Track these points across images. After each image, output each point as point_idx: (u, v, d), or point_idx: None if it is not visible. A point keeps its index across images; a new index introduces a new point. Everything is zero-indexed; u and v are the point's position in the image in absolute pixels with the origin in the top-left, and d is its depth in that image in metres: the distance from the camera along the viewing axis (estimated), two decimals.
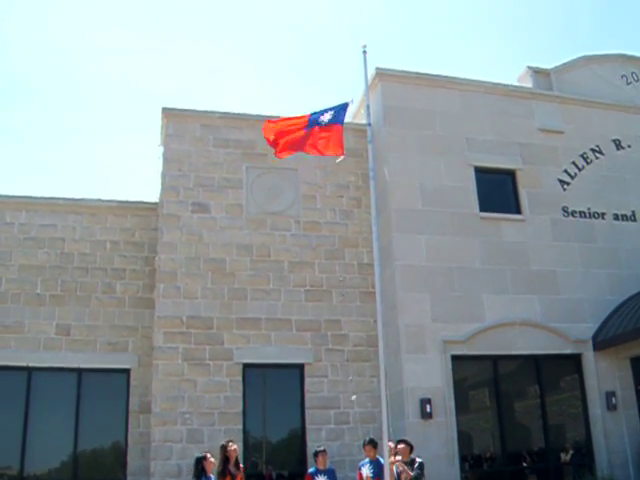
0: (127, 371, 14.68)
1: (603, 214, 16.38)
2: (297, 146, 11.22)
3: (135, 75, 42.14)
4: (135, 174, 40.21)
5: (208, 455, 10.56)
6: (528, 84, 17.20)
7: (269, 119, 11.50)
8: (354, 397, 13.74)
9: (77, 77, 40.86)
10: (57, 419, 14.30)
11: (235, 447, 10.73)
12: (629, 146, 17.26)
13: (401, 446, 11.25)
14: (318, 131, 11.08)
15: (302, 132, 11.16)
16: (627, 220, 16.52)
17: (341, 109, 11.21)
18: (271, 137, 11.27)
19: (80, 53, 40.37)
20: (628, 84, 18.03)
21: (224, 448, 10.63)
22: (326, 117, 11.16)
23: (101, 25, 39.63)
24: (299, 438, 14.15)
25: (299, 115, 11.38)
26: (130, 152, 42.09)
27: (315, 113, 11.36)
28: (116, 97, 41.36)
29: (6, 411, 14.11)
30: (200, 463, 10.45)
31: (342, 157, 11.26)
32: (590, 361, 15.07)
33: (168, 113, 15.40)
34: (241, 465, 10.93)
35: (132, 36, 41.33)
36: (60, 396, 14.42)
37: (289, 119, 11.38)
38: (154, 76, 42.40)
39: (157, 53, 42.58)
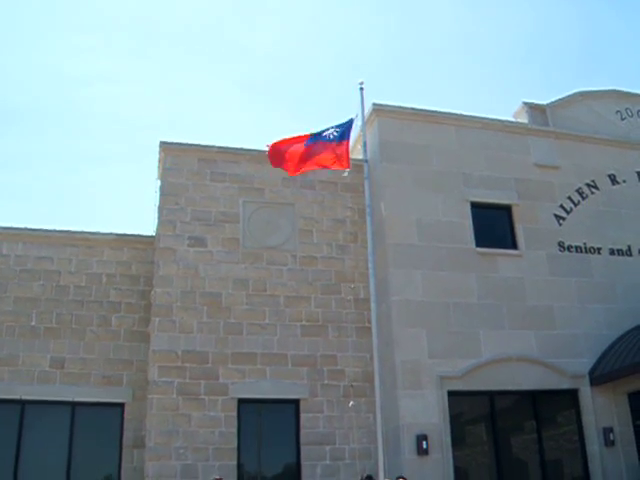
0: (121, 405, 14.60)
1: (599, 249, 16.41)
2: (302, 162, 11.39)
3: (130, 105, 42.41)
4: (132, 206, 40.33)
5: None
6: (524, 120, 17.35)
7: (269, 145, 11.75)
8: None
9: (71, 106, 41.13)
10: (50, 453, 14.16)
11: None
12: (624, 181, 17.36)
13: None
14: (323, 147, 11.25)
15: (304, 147, 11.35)
16: (623, 255, 16.56)
17: (346, 125, 11.39)
18: (277, 161, 11.53)
19: (73, 81, 40.63)
20: (622, 119, 18.18)
21: None
22: (330, 133, 11.33)
23: (93, 53, 39.94)
24: (294, 474, 14.00)
25: (299, 135, 11.59)
26: (127, 183, 42.24)
27: (316, 132, 11.54)
28: (113, 128, 41.56)
29: None
30: None
31: (348, 170, 11.42)
32: (587, 396, 15.00)
33: (166, 147, 15.48)
34: None
35: (125, 65, 41.68)
36: (53, 430, 14.30)
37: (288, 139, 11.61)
38: (150, 107, 42.67)
39: (153, 84, 42.90)
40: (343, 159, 11.38)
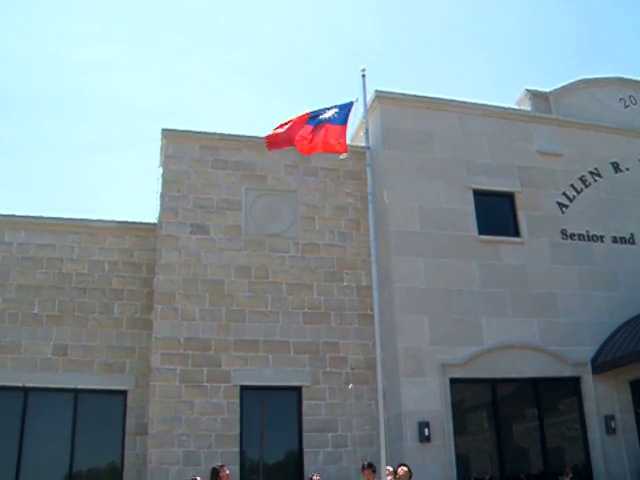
0: (124, 392, 14.59)
1: (602, 237, 16.39)
2: (297, 143, 11.34)
3: (132, 92, 42.32)
4: (133, 193, 40.31)
5: (198, 478, 10.52)
6: (527, 107, 17.28)
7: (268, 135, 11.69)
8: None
9: (72, 93, 41.01)
10: (53, 440, 14.15)
11: (228, 472, 10.51)
12: (627, 169, 17.31)
13: (403, 470, 11.10)
14: (321, 129, 11.18)
15: (303, 128, 11.27)
16: (626, 243, 16.53)
17: (345, 108, 11.32)
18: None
19: (74, 68, 40.47)
20: (626, 107, 18.11)
21: (216, 472, 10.39)
22: (329, 114, 11.26)
23: (93, 40, 39.78)
24: (296, 461, 14.05)
25: (298, 115, 11.49)
26: (128, 170, 42.19)
27: (315, 111, 11.46)
28: (114, 115, 41.48)
29: (2, 431, 13.96)
30: None
31: (346, 154, 11.38)
32: (589, 384, 15.02)
33: (168, 134, 15.45)
34: None
35: (126, 52, 41.55)
36: (56, 417, 14.29)
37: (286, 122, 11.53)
38: (152, 94, 42.57)
39: (154, 71, 42.78)
40: (341, 143, 11.33)
